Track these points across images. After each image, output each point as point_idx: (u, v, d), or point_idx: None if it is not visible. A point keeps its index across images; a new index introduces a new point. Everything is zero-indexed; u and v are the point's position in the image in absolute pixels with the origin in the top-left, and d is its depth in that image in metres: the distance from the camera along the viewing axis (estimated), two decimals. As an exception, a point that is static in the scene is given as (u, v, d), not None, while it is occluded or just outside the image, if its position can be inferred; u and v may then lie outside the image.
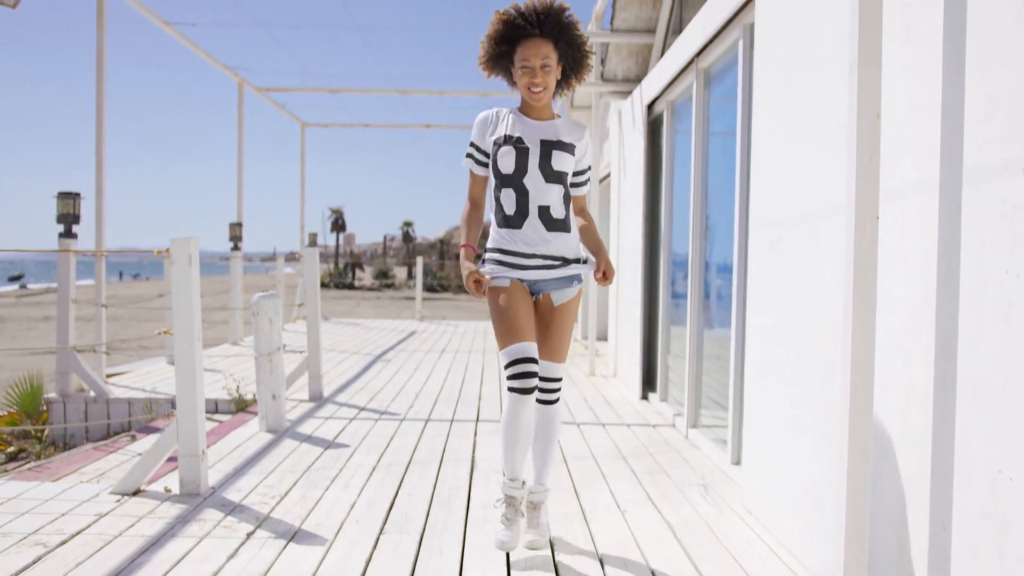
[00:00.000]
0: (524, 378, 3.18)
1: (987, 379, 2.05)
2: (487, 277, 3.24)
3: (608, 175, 11.08)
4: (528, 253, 3.24)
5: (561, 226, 3.27)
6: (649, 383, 7.34)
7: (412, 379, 8.48)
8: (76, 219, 7.45)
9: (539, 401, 3.37)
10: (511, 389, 3.22)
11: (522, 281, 3.27)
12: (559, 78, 3.30)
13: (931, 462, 2.29)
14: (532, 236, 3.23)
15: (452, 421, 6.19)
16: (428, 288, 37.69)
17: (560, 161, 3.24)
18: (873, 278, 2.40)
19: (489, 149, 3.30)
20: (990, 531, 2.03)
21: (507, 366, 3.21)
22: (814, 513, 3.15)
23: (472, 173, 3.37)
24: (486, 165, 3.34)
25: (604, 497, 4.18)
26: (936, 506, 2.27)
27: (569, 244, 3.30)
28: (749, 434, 4.05)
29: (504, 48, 3.24)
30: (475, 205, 3.37)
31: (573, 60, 3.30)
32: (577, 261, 3.33)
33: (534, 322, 3.30)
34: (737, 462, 4.57)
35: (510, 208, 3.25)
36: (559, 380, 3.42)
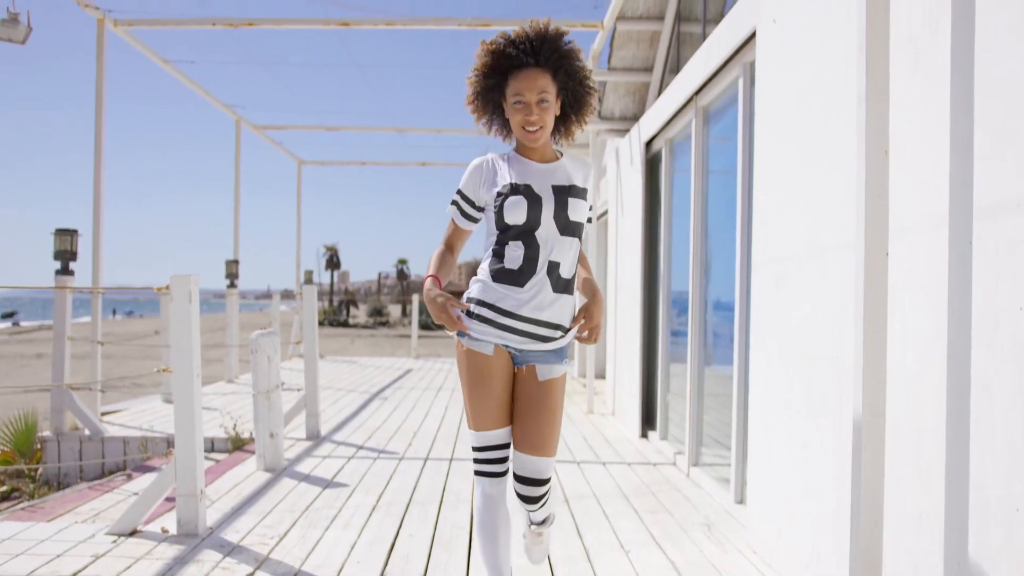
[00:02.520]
0: (498, 463, 2.78)
1: (1002, 415, 2.03)
2: (463, 313, 2.75)
3: (605, 212, 11.11)
4: (524, 316, 2.71)
5: (566, 287, 2.78)
6: (648, 421, 7.29)
7: (410, 417, 8.41)
8: (73, 256, 7.41)
9: (525, 506, 2.82)
10: (483, 474, 2.79)
11: (506, 347, 2.76)
12: (558, 114, 2.81)
13: (945, 499, 2.27)
14: (533, 298, 2.71)
15: (451, 460, 6.13)
16: (422, 326, 37.55)
17: (577, 210, 2.75)
18: (884, 314, 2.39)
19: (481, 202, 2.81)
20: (1007, 570, 1.99)
21: (477, 450, 2.79)
22: (823, 553, 3.11)
23: (453, 222, 2.86)
24: (472, 219, 2.84)
25: (607, 537, 4.12)
26: (951, 544, 2.23)
27: (567, 311, 2.80)
28: (754, 472, 4.01)
29: (494, 81, 2.76)
30: (450, 250, 2.87)
31: (574, 96, 2.81)
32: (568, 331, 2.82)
33: (511, 400, 2.81)
34: (741, 501, 4.53)
35: (514, 262, 2.72)
36: (547, 483, 2.76)
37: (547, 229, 2.71)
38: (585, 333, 2.78)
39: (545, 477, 2.75)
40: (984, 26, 2.12)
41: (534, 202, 2.69)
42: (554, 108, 2.74)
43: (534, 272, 2.70)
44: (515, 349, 2.76)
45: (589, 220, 2.92)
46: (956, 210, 2.22)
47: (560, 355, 2.80)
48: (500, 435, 2.76)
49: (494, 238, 2.79)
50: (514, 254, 2.72)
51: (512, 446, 2.78)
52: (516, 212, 2.69)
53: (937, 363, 2.31)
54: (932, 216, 2.34)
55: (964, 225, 2.18)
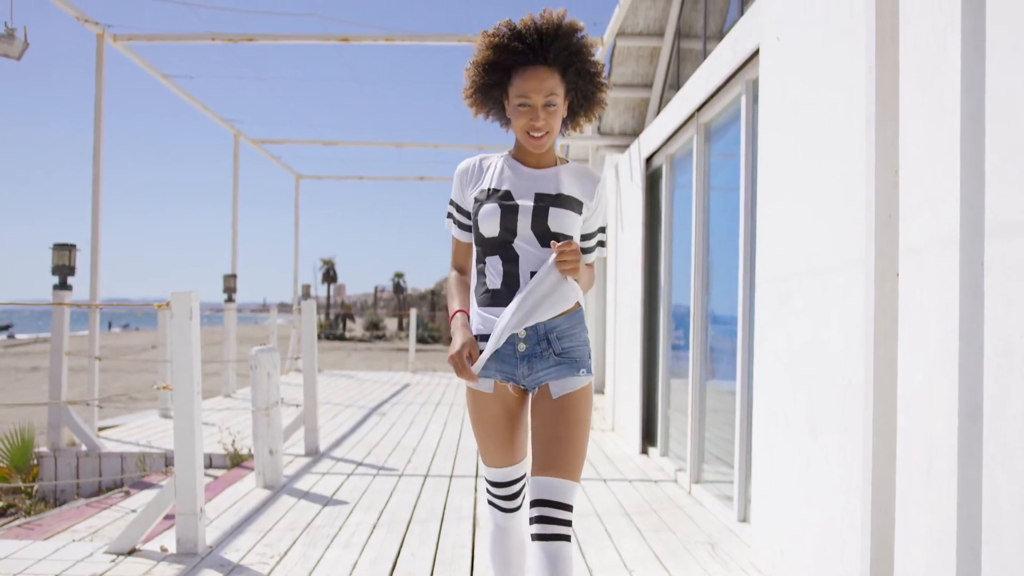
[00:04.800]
0: (508, 499, 2.63)
1: (1015, 437, 2.01)
2: (473, 371, 2.42)
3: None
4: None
5: (556, 284, 2.47)
6: (649, 437, 7.26)
7: (408, 433, 8.37)
8: (72, 271, 7.38)
9: (539, 537, 2.35)
10: (494, 505, 2.67)
11: (511, 377, 2.52)
12: (564, 115, 2.55)
13: (957, 524, 2.24)
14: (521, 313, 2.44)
15: (451, 477, 6.09)
16: (419, 339, 37.48)
17: (560, 220, 2.48)
18: (894, 335, 2.37)
19: (471, 208, 2.58)
20: (1023, 596, 1.97)
21: (488, 482, 2.68)
22: (829, 573, 3.08)
23: (455, 238, 2.67)
24: (470, 229, 2.61)
25: (610, 556, 4.09)
26: (963, 570, 2.21)
27: (565, 295, 2.49)
28: (758, 491, 3.98)
29: (496, 78, 2.51)
30: (461, 272, 2.67)
31: (584, 94, 2.55)
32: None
33: (523, 429, 2.60)
34: (744, 519, 4.50)
35: (495, 280, 2.49)
36: (568, 509, 2.38)
37: (525, 239, 2.48)
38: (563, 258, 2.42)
39: (559, 501, 2.37)
40: (993, 42, 2.12)
41: (509, 210, 2.47)
42: (562, 111, 2.50)
43: (517, 286, 2.46)
44: (524, 372, 2.49)
45: (602, 243, 2.68)
46: (967, 230, 2.20)
47: (574, 366, 2.48)
48: (508, 472, 2.61)
49: (478, 252, 2.58)
50: (495, 270, 2.50)
51: (529, 472, 2.50)
52: (489, 223, 2.48)
53: (948, 384, 2.29)
54: (942, 236, 2.32)
55: (975, 245, 2.17)
